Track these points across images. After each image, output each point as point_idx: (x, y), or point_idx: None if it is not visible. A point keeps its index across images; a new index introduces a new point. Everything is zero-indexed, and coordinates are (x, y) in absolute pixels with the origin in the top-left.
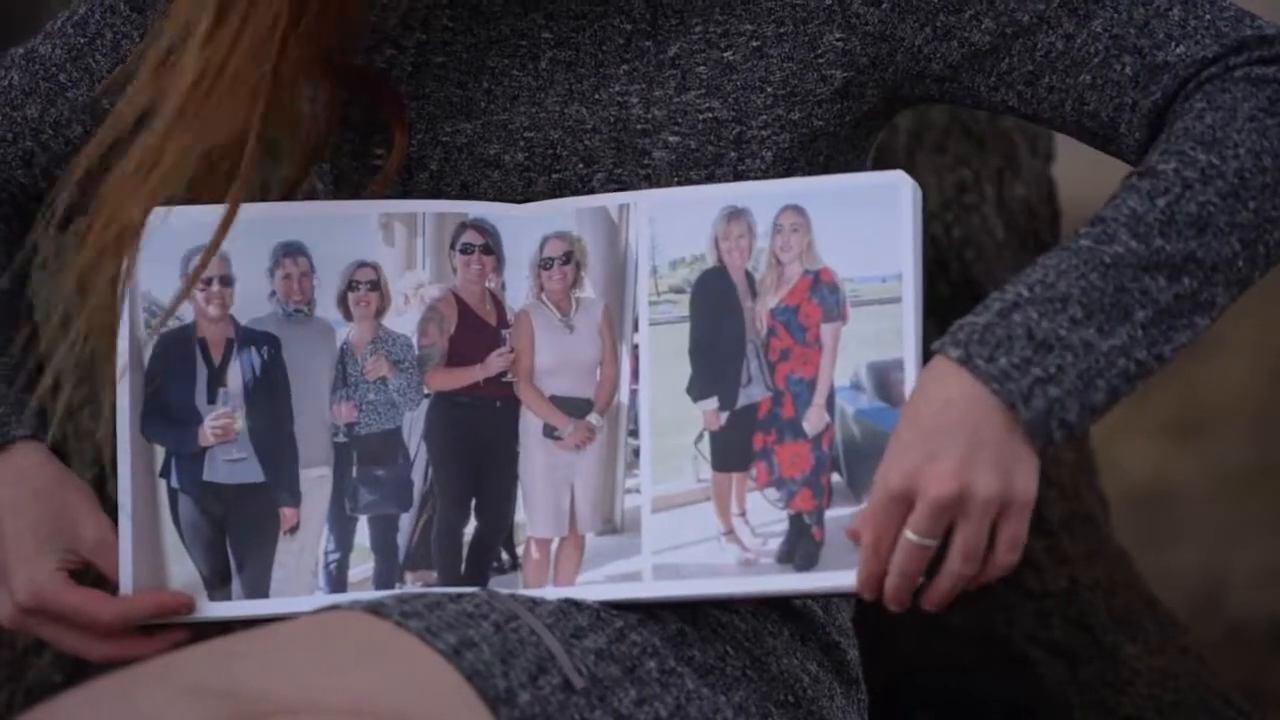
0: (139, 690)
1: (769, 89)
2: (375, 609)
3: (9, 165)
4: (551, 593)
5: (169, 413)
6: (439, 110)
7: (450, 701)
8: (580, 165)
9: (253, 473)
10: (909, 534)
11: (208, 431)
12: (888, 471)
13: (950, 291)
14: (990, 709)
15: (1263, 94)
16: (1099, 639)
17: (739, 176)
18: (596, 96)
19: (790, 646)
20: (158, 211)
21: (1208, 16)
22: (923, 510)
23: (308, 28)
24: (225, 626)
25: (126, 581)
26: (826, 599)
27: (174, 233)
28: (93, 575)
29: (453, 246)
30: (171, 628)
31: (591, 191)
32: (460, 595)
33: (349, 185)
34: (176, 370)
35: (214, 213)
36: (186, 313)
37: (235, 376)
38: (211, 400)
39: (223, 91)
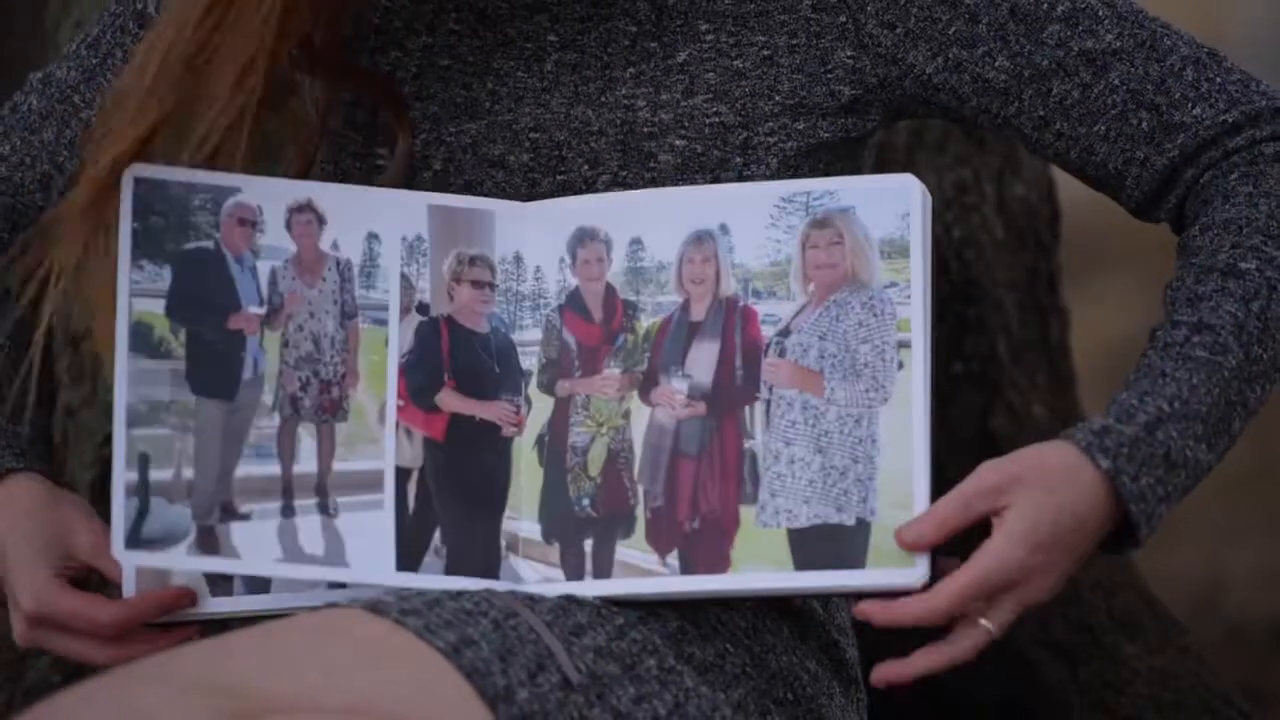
0: (136, 689)
1: (777, 97)
2: (374, 606)
3: (28, 189)
4: (587, 587)
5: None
6: (443, 111)
7: (449, 700)
8: (585, 167)
9: None
10: (985, 623)
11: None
12: (1009, 560)
13: (950, 291)
14: (990, 709)
15: None
16: (1099, 639)
17: (744, 181)
18: (603, 99)
19: (790, 644)
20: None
21: (1218, 80)
22: (1012, 609)
23: (301, 15)
24: (225, 624)
25: (130, 582)
26: (826, 599)
27: None
28: (96, 580)
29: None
30: (178, 626)
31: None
32: (459, 592)
33: None
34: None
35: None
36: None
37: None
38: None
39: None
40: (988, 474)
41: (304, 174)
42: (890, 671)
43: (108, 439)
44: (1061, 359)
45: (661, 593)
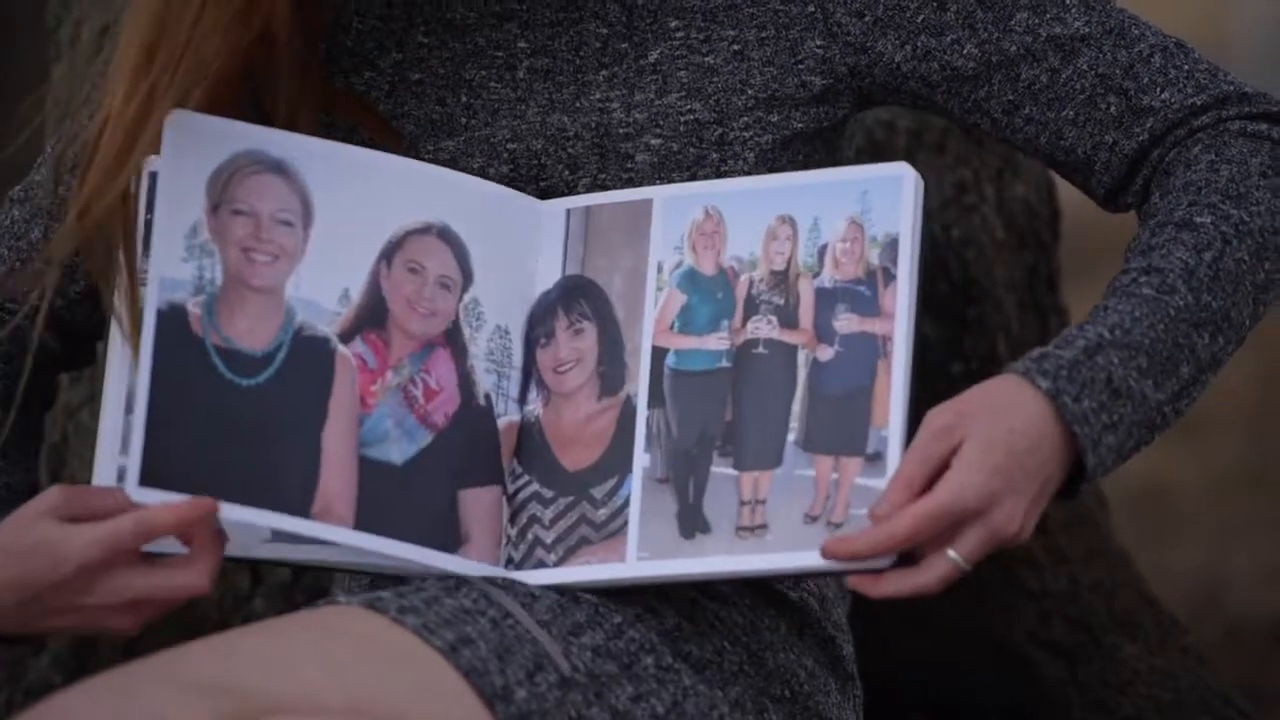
0: (139, 686)
1: (749, 91)
2: (373, 604)
3: (22, 289)
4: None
5: None
6: (420, 129)
7: (447, 699)
8: (565, 172)
9: None
10: (952, 554)
11: None
12: (967, 484)
13: (950, 291)
14: (990, 709)
15: (1263, 151)
16: (1099, 639)
17: (721, 177)
18: (577, 104)
19: (787, 641)
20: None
21: (1186, 66)
22: (980, 538)
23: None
24: (224, 623)
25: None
26: (823, 595)
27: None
28: None
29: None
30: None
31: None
32: (458, 590)
33: None
34: None
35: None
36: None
37: None
38: None
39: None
40: (935, 417)
41: None
42: (861, 583)
43: None
44: None
45: (619, 579)
